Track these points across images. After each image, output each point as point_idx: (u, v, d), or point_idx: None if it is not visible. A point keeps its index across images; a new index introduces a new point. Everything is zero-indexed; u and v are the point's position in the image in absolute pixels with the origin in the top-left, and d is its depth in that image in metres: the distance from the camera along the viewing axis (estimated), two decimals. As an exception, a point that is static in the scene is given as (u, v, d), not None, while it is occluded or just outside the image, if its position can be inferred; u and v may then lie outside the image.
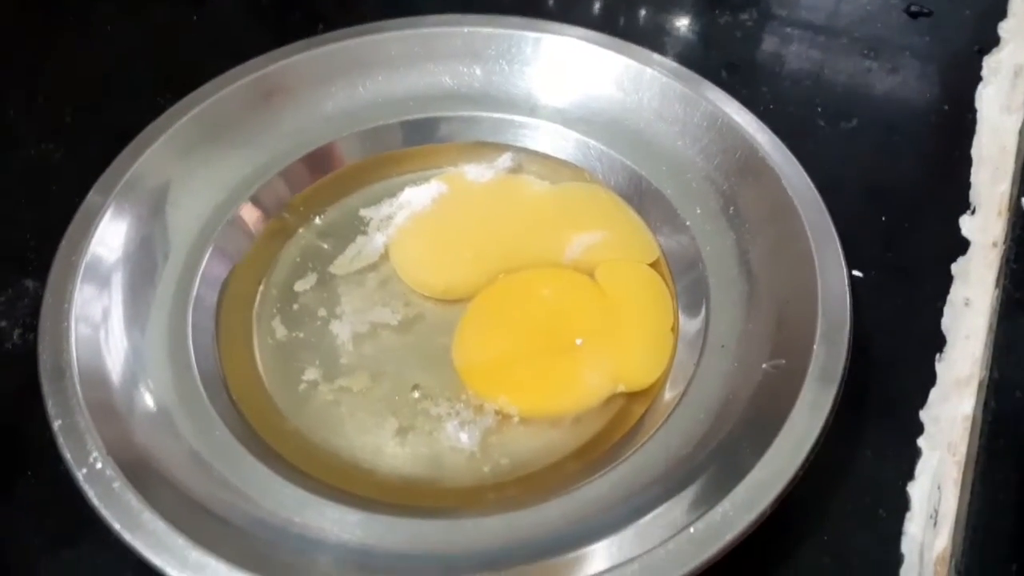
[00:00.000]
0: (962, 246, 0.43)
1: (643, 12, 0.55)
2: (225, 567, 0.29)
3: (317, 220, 0.44)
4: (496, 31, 0.45)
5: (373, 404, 0.38)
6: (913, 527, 0.35)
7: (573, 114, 0.44)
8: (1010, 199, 0.45)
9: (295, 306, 0.41)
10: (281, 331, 0.40)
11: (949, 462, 0.37)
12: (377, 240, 0.43)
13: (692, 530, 0.30)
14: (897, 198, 0.45)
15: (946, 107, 0.50)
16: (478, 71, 0.45)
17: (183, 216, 0.40)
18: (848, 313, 0.35)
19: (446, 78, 0.45)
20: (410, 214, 0.43)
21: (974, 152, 0.47)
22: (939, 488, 0.36)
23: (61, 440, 0.32)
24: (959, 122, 0.48)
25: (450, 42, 0.45)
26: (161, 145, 0.40)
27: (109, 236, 0.38)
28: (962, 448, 0.37)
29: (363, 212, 0.44)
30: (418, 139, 0.45)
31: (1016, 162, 0.46)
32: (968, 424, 0.38)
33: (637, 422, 0.36)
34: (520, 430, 0.37)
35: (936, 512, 0.36)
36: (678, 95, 0.43)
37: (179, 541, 0.30)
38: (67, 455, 0.32)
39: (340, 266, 0.42)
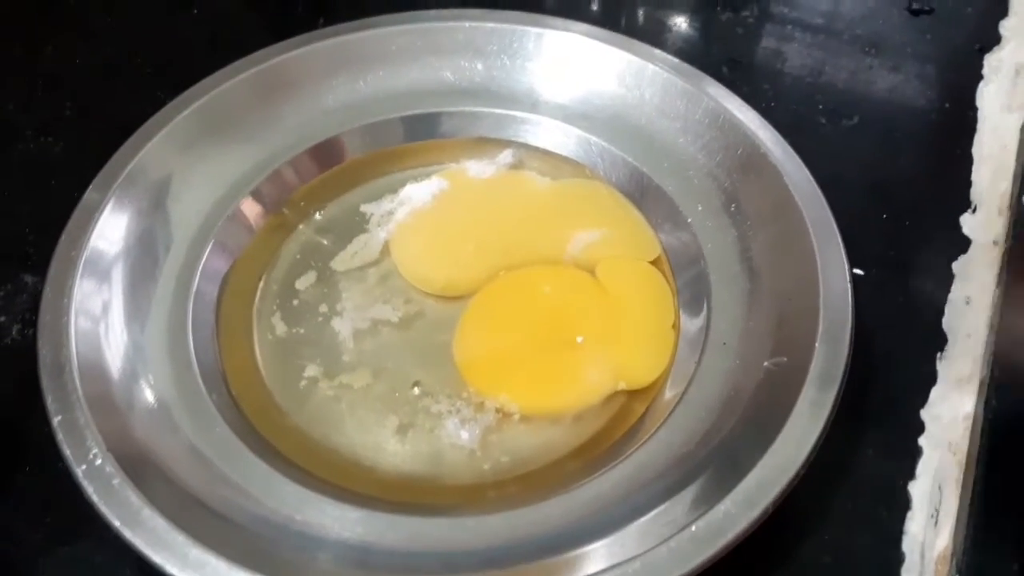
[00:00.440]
0: (963, 244, 0.43)
1: (645, 8, 0.55)
2: (225, 564, 0.29)
3: (318, 216, 0.44)
4: (498, 26, 0.45)
5: (374, 401, 0.38)
6: (914, 526, 0.35)
7: (575, 110, 0.44)
8: (1011, 197, 0.45)
9: (295, 302, 0.41)
10: (281, 327, 0.40)
11: (950, 461, 0.37)
12: (378, 236, 0.43)
13: (693, 529, 0.30)
14: (898, 196, 0.45)
15: (947, 105, 0.50)
16: (480, 66, 0.45)
17: (183, 211, 0.40)
18: (850, 311, 0.35)
19: (447, 73, 0.45)
20: (411, 210, 0.43)
21: (975, 150, 0.47)
22: (940, 487, 0.36)
23: (60, 436, 0.32)
24: (960, 120, 0.48)
25: (452, 37, 0.45)
26: (161, 139, 0.40)
27: (109, 231, 0.38)
28: (963, 447, 0.37)
29: (364, 208, 0.44)
30: (419, 134, 0.44)
31: (1017, 160, 0.46)
32: (969, 423, 0.38)
33: (638, 420, 0.36)
34: (521, 428, 0.37)
35: (937, 511, 0.36)
36: (680, 91, 0.42)
37: (179, 538, 0.30)
38: (66, 451, 0.32)
39: (341, 262, 0.42)
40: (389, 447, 0.37)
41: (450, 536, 0.32)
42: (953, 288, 0.42)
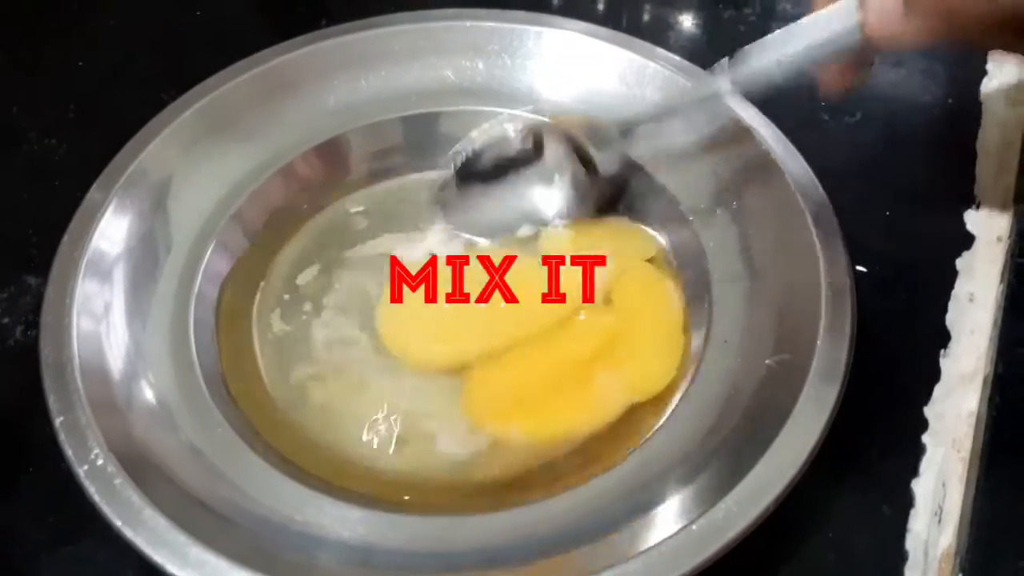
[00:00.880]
0: (966, 241, 0.43)
1: (646, 6, 0.55)
2: (226, 564, 0.29)
3: (319, 216, 0.44)
4: (499, 25, 0.45)
5: (373, 401, 0.38)
6: (918, 524, 0.35)
7: (576, 109, 0.44)
8: (1015, 194, 0.44)
9: (296, 303, 0.41)
10: (282, 327, 0.40)
11: (954, 458, 0.37)
12: (380, 236, 0.43)
13: (694, 527, 0.30)
14: (901, 192, 0.45)
15: (950, 101, 0.50)
16: (481, 65, 0.45)
17: (185, 211, 0.40)
18: (852, 308, 0.35)
19: (449, 72, 0.45)
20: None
21: (979, 146, 0.47)
22: (944, 485, 0.36)
23: (62, 436, 0.32)
24: (964, 116, 0.48)
25: (453, 36, 0.45)
26: (163, 140, 0.40)
27: (111, 231, 0.38)
28: (967, 444, 0.37)
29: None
30: (420, 134, 0.44)
31: (1021, 157, 0.46)
32: (973, 420, 0.38)
33: (639, 419, 0.36)
34: (521, 428, 0.37)
35: (941, 509, 0.35)
36: (681, 90, 0.42)
37: (180, 538, 0.30)
38: (68, 451, 0.32)
39: (342, 262, 0.42)
40: (389, 447, 0.37)
41: (451, 535, 0.32)
42: (956, 284, 0.42)
